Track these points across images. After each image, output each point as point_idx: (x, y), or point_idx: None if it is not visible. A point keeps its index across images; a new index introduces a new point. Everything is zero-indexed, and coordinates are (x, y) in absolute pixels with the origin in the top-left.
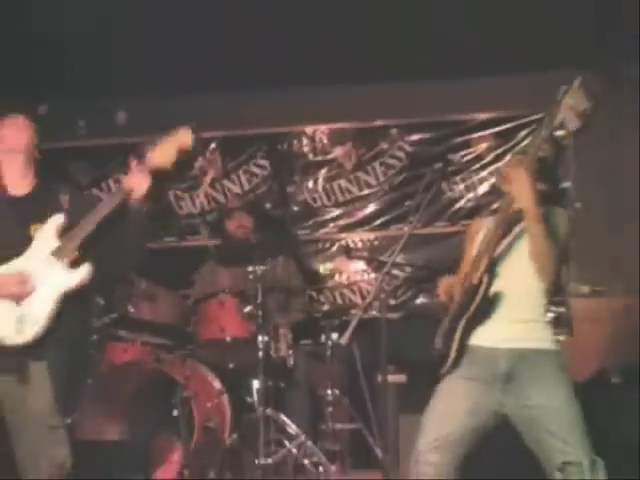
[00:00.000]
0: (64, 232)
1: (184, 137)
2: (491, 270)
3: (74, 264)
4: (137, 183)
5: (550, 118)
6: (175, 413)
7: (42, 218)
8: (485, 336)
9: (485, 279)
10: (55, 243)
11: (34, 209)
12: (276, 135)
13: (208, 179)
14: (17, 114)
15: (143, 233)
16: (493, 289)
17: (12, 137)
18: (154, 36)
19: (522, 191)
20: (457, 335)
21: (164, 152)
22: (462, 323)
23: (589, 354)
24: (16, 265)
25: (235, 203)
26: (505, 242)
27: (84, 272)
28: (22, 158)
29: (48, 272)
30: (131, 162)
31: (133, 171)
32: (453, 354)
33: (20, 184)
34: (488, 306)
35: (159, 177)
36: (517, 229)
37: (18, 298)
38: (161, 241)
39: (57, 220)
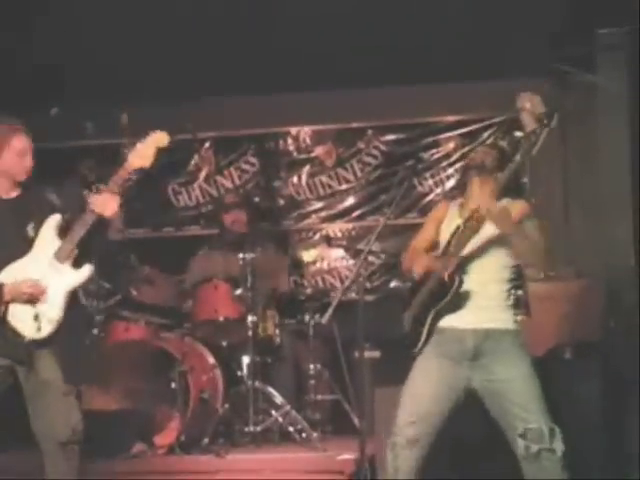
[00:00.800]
0: (63, 231)
1: (160, 138)
2: (462, 269)
3: (75, 264)
4: (104, 205)
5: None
6: (173, 385)
7: (36, 217)
8: (454, 319)
9: (457, 279)
10: (56, 243)
11: (27, 210)
12: (264, 135)
13: (202, 175)
14: (17, 122)
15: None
16: (463, 285)
17: (11, 162)
18: (155, 46)
19: (503, 223)
20: (428, 321)
21: (143, 153)
22: (432, 313)
23: (545, 333)
24: (23, 266)
25: (232, 199)
26: (473, 242)
27: (86, 272)
28: (15, 180)
29: (54, 273)
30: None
31: (102, 193)
32: (424, 337)
33: (9, 190)
34: (458, 300)
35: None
36: (483, 230)
37: (32, 301)
38: (160, 231)
39: (54, 220)
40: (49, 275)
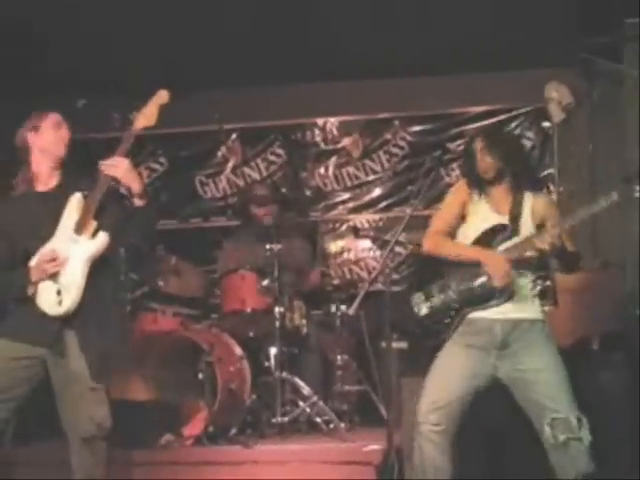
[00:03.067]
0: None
1: (163, 96)
2: None
3: (94, 235)
4: (113, 167)
5: None
6: (200, 376)
7: None
8: (482, 310)
9: (509, 289)
10: (76, 219)
11: (62, 202)
12: (291, 126)
13: (229, 166)
14: (54, 111)
15: (137, 220)
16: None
17: (49, 136)
18: (182, 36)
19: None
20: (458, 316)
21: (148, 113)
22: (462, 313)
23: (572, 323)
24: (49, 245)
25: (263, 192)
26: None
27: (101, 240)
28: (55, 156)
29: (73, 245)
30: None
31: (113, 157)
32: (453, 327)
33: (47, 180)
34: (501, 302)
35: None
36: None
37: (53, 274)
38: (187, 222)
39: (76, 198)
40: (68, 248)
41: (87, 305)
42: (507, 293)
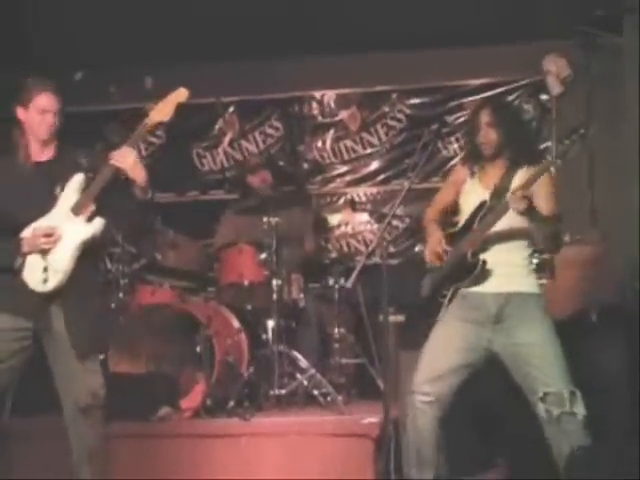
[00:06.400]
0: (84, 189)
1: (181, 93)
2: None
3: (91, 219)
4: (121, 158)
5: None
6: (198, 349)
7: (66, 179)
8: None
9: (481, 260)
10: (75, 199)
11: (58, 172)
12: (288, 99)
13: (227, 139)
14: (48, 82)
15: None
16: (485, 256)
17: (34, 119)
18: (180, 8)
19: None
20: (449, 293)
21: (164, 109)
22: (454, 287)
23: (570, 296)
24: (44, 221)
25: (256, 160)
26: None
27: (96, 225)
28: (39, 139)
29: (68, 226)
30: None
31: (122, 148)
32: (445, 305)
33: (44, 150)
34: (481, 277)
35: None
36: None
37: (45, 250)
38: (185, 195)
39: (78, 178)
40: (64, 226)
41: (73, 283)
42: (476, 272)
